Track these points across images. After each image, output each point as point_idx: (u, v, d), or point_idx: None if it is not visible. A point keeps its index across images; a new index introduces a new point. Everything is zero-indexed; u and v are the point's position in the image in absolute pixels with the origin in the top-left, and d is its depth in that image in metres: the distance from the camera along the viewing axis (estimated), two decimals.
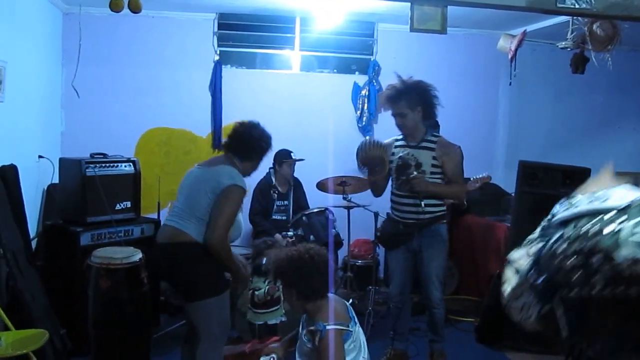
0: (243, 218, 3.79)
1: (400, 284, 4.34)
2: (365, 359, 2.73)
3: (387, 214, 4.50)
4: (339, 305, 2.73)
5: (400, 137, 4.30)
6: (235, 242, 3.67)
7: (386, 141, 4.39)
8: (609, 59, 4.81)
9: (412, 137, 4.21)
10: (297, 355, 2.74)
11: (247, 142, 3.57)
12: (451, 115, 6.71)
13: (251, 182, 5.83)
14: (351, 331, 2.62)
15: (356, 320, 2.77)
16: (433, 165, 4.12)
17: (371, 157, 4.21)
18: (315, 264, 2.70)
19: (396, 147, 4.29)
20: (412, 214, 4.16)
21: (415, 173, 4.06)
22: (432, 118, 4.25)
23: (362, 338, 2.76)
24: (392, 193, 4.33)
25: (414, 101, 4.10)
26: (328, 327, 2.52)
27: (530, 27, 6.00)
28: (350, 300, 4.97)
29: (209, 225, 3.33)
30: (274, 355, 2.83)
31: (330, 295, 2.78)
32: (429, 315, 4.34)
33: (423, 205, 4.04)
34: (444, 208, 4.26)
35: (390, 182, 4.40)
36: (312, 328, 2.58)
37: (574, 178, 4.84)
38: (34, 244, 4.78)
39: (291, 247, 2.83)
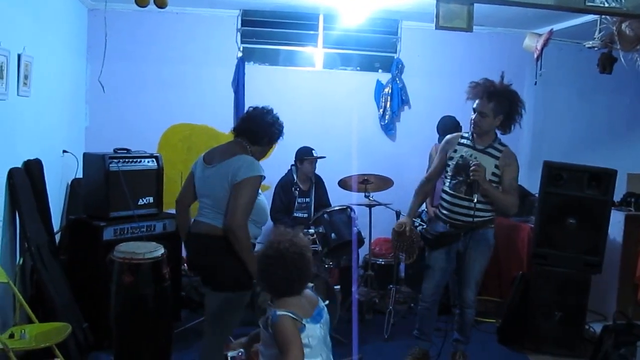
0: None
1: (436, 285, 4.27)
2: (324, 357, 2.64)
3: (435, 213, 4.44)
4: (304, 301, 2.66)
5: (467, 134, 4.18)
6: (257, 239, 3.67)
7: (449, 136, 4.31)
8: (638, 59, 4.74)
9: (481, 140, 4.08)
10: (261, 346, 2.71)
11: (258, 127, 3.53)
12: None
13: (273, 180, 5.86)
14: (304, 325, 2.55)
15: (323, 322, 2.69)
16: (493, 174, 4.01)
17: (403, 242, 4.31)
18: (284, 261, 2.59)
19: (459, 144, 4.15)
20: (462, 215, 4.07)
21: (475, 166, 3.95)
22: (508, 132, 4.11)
23: (324, 340, 2.68)
24: (444, 192, 4.19)
25: (501, 108, 3.99)
26: (278, 313, 2.50)
27: (557, 26, 5.93)
28: (337, 309, 4.85)
29: (227, 212, 3.34)
30: (241, 350, 2.81)
31: (306, 291, 2.71)
32: (459, 315, 4.29)
33: (476, 199, 3.95)
34: (493, 213, 4.15)
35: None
36: (267, 314, 2.58)
37: (600, 179, 4.78)
38: (57, 238, 4.83)
39: (274, 240, 2.68)
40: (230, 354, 2.78)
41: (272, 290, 2.67)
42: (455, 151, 4.15)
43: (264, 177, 3.41)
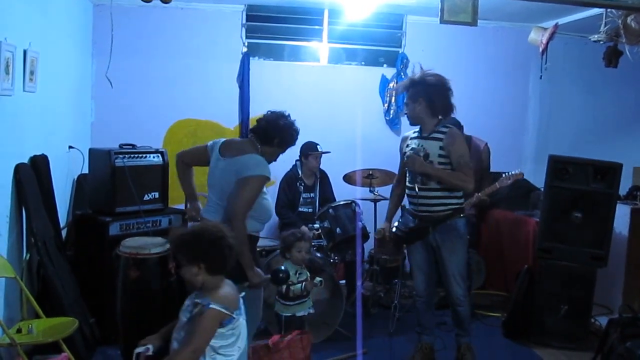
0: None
1: (425, 279, 4.30)
2: (241, 349, 2.78)
3: (403, 207, 4.50)
4: (232, 291, 2.80)
5: (418, 128, 4.27)
6: (261, 233, 3.68)
7: (405, 134, 4.46)
8: None
9: (425, 129, 4.19)
10: (180, 332, 2.77)
11: (270, 127, 3.63)
12: (481, 109, 6.67)
13: (278, 175, 5.86)
14: (234, 318, 2.69)
15: (243, 312, 2.83)
16: (440, 155, 4.07)
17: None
18: (225, 240, 2.75)
19: (411, 138, 4.29)
20: (423, 205, 4.13)
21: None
22: (440, 114, 4.17)
23: (244, 331, 2.82)
24: (406, 187, 4.28)
25: (416, 94, 4.13)
26: (212, 306, 2.61)
27: (562, 20, 5.91)
28: (343, 304, 4.93)
29: (228, 203, 3.40)
30: (149, 345, 2.83)
31: (227, 280, 2.84)
32: (452, 312, 4.30)
33: (417, 188, 4.10)
34: (460, 201, 4.19)
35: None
36: (198, 300, 2.67)
37: (605, 173, 4.77)
38: (63, 233, 4.84)
39: (194, 224, 2.87)
40: (137, 350, 2.80)
41: (217, 265, 2.74)
42: (407, 146, 4.27)
43: (269, 179, 3.47)
